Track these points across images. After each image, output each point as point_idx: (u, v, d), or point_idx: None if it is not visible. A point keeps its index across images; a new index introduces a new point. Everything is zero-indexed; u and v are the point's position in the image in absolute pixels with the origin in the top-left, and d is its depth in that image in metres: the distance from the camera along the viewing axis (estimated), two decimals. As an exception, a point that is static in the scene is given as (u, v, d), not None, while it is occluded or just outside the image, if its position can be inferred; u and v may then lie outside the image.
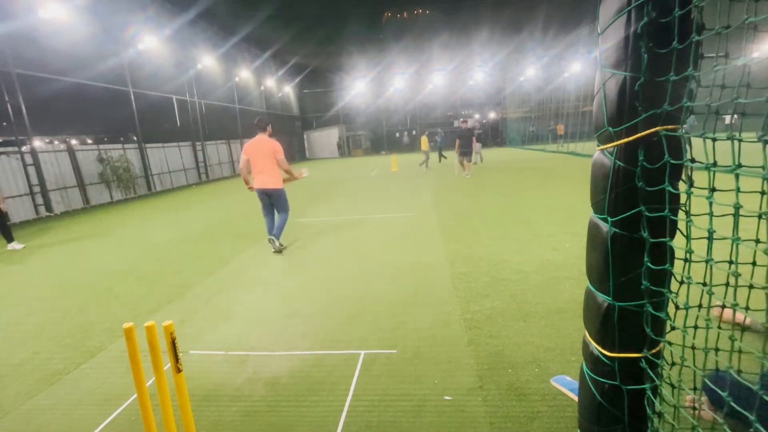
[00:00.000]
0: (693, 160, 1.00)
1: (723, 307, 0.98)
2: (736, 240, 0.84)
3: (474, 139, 11.36)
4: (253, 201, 10.42)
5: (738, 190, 0.84)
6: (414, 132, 32.94)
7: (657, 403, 1.18)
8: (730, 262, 0.86)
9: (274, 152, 4.87)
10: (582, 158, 15.29)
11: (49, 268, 5.27)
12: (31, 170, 9.93)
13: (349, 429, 1.91)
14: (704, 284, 0.96)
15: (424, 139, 15.68)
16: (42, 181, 10.12)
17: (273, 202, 5.13)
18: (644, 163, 1.05)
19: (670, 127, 1.02)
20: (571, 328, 2.66)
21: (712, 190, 0.90)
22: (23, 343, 3.10)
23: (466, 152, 11.62)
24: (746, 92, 0.84)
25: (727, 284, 0.90)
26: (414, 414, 1.97)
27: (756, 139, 0.75)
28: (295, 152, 31.46)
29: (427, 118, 33.38)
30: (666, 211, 1.04)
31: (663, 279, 1.10)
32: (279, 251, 5.06)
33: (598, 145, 1.19)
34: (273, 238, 5.04)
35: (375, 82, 32.10)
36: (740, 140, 0.82)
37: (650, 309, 1.12)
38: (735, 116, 0.83)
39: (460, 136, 11.49)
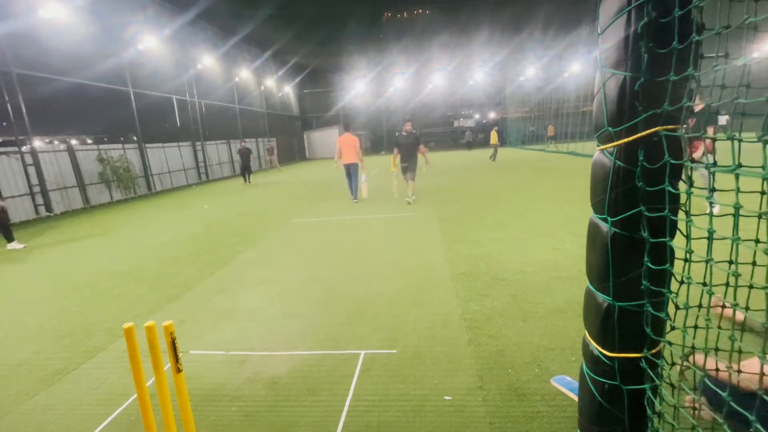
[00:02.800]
0: (692, 160, 1.00)
1: (723, 307, 0.98)
2: (736, 240, 0.84)
3: (421, 147, 8.03)
4: (253, 201, 10.43)
5: (738, 190, 0.84)
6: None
7: (657, 403, 1.18)
8: (730, 262, 0.86)
9: (355, 144, 8.56)
10: (581, 158, 15.29)
11: (49, 268, 5.28)
12: (31, 170, 9.92)
13: (349, 429, 1.91)
14: (704, 284, 0.96)
15: (493, 134, 17.56)
16: (42, 181, 10.11)
17: (351, 172, 8.74)
18: (644, 163, 1.05)
19: (670, 127, 1.02)
20: (571, 328, 2.66)
21: (712, 190, 0.90)
22: (23, 343, 3.10)
23: (408, 168, 8.02)
24: (746, 92, 0.84)
25: (727, 284, 0.90)
26: (414, 414, 1.97)
27: (756, 139, 0.75)
28: (296, 152, 31.44)
29: (427, 118, 33.37)
30: (666, 211, 1.04)
31: (663, 279, 1.10)
32: (356, 201, 8.75)
33: (598, 145, 1.19)
34: (354, 198, 8.84)
35: (375, 82, 32.09)
36: (740, 140, 0.82)
37: (650, 309, 1.12)
38: (727, 117, 0.83)
39: (399, 144, 8.06)
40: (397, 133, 7.97)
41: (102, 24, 12.42)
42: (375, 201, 8.73)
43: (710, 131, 4.92)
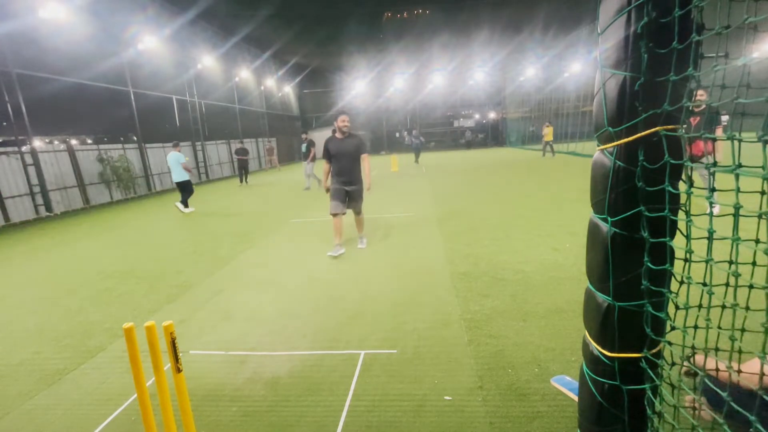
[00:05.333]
0: (692, 160, 1.00)
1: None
2: (736, 240, 0.84)
3: (364, 157, 4.84)
4: (253, 201, 10.43)
5: (738, 190, 0.84)
6: (414, 132, 33.26)
7: (657, 403, 1.18)
8: (730, 262, 0.86)
9: None
10: (581, 158, 15.29)
11: (49, 268, 5.27)
12: (31, 170, 9.91)
13: (349, 429, 1.91)
14: (704, 284, 0.96)
15: (549, 130, 17.58)
16: (42, 181, 10.11)
17: None
18: (644, 163, 1.05)
19: (670, 127, 1.02)
20: (571, 328, 2.66)
21: (712, 190, 0.90)
22: (23, 343, 3.10)
23: (350, 194, 4.81)
24: (746, 92, 0.84)
25: (727, 284, 0.90)
26: (414, 414, 1.97)
27: (756, 139, 0.75)
28: (296, 152, 31.43)
29: (427, 118, 33.39)
30: (666, 211, 1.04)
31: (663, 279, 1.10)
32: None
33: (598, 145, 1.19)
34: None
35: (375, 82, 32.08)
36: (740, 140, 0.82)
37: (650, 309, 1.12)
38: (727, 117, 0.83)
39: (332, 152, 4.72)
40: (329, 136, 4.82)
41: (102, 24, 12.42)
42: (373, 201, 8.73)
43: (718, 131, 4.89)
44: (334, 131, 4.81)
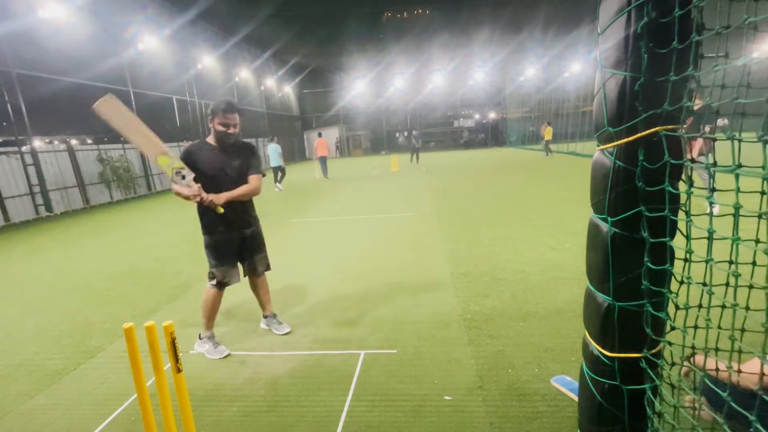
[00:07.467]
0: (693, 161, 1.00)
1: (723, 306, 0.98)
2: (736, 240, 0.84)
3: (254, 179, 2.68)
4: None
5: (738, 190, 0.84)
6: (414, 132, 33.38)
7: (657, 403, 1.18)
8: (730, 262, 0.86)
9: (325, 143, 12.73)
10: (581, 158, 15.29)
11: (49, 268, 5.27)
12: (31, 170, 9.91)
13: (349, 429, 1.91)
14: (704, 284, 0.96)
15: (549, 129, 17.62)
16: (42, 181, 10.11)
17: (322, 161, 14.82)
18: (644, 163, 1.05)
19: (670, 127, 1.02)
20: (571, 328, 2.66)
21: (712, 190, 0.90)
22: (23, 343, 3.10)
23: (251, 238, 2.77)
24: (746, 92, 0.84)
25: (727, 284, 0.90)
26: (414, 414, 1.97)
27: (756, 139, 0.75)
28: (296, 152, 31.44)
29: (427, 118, 33.39)
30: (666, 211, 1.04)
31: (663, 279, 1.10)
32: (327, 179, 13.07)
33: (598, 145, 1.19)
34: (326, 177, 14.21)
35: (375, 82, 32.09)
36: (740, 140, 0.82)
37: (650, 309, 1.12)
38: (725, 121, 0.82)
39: (211, 174, 2.52)
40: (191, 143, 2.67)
41: (102, 24, 12.42)
42: (373, 201, 8.72)
43: (705, 129, 4.89)
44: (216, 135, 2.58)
